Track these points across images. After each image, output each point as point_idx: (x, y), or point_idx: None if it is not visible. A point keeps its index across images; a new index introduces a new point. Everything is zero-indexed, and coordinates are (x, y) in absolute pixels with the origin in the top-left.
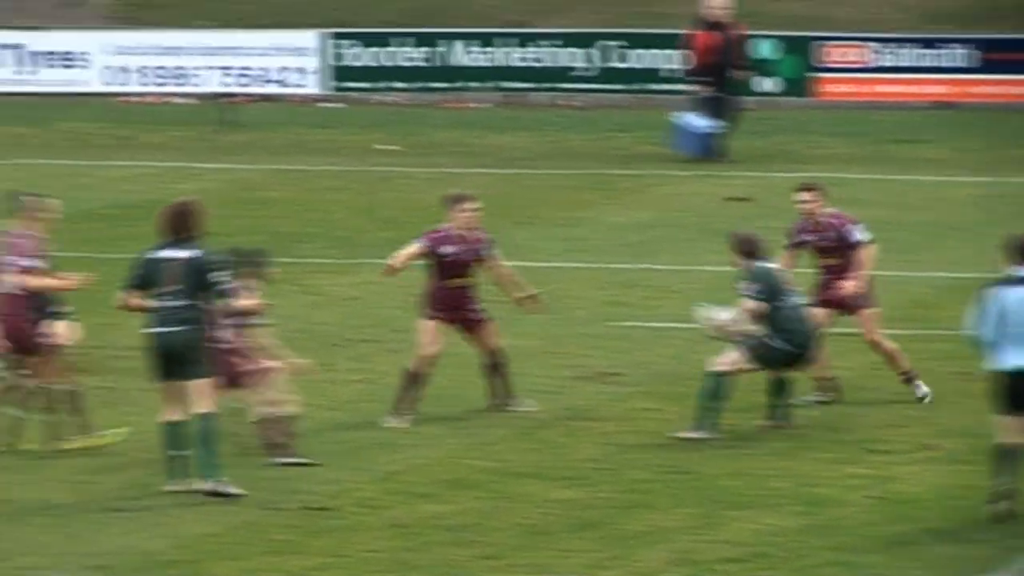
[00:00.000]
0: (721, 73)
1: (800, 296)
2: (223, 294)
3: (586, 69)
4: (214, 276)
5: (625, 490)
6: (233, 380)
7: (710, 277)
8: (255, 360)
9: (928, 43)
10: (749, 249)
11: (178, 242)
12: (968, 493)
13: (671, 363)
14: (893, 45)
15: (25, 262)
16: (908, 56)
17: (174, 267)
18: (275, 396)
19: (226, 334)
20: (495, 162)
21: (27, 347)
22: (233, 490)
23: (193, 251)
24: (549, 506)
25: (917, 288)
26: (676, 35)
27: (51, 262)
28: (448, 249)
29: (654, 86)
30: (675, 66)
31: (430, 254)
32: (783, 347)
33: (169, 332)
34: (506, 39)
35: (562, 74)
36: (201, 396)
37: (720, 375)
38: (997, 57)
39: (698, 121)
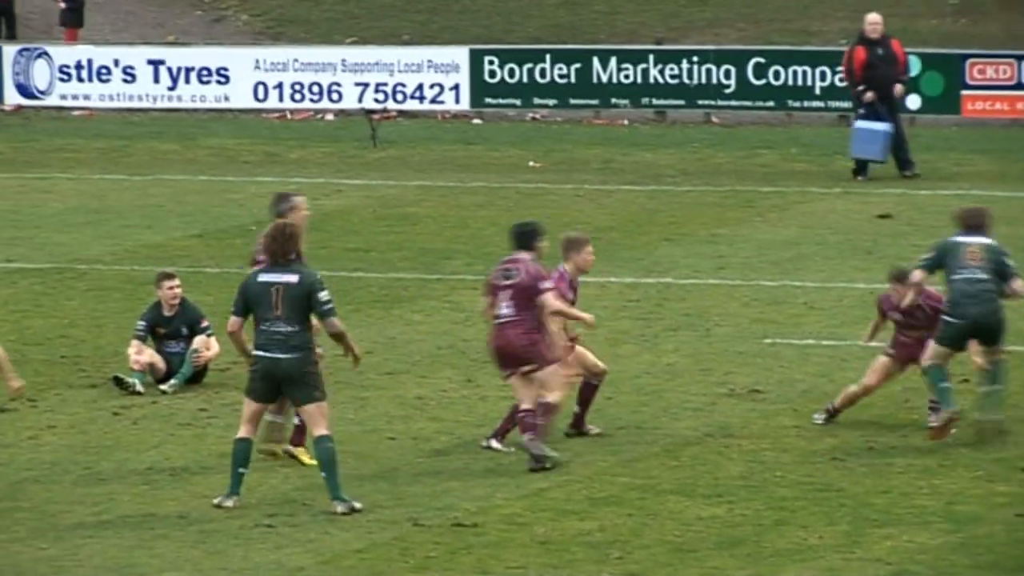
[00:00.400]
0: (882, 88)
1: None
2: (326, 315)
3: (731, 86)
4: (318, 298)
5: (771, 507)
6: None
7: (856, 294)
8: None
9: None
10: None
11: (280, 266)
12: None
13: (816, 380)
14: None
15: None
16: None
17: (278, 291)
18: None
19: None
20: (640, 179)
21: None
22: (358, 505)
23: (295, 275)
24: (695, 523)
25: None
26: (819, 52)
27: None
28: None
29: (798, 103)
30: (819, 83)
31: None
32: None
33: (275, 358)
34: (651, 55)
35: (707, 91)
36: (315, 420)
37: (930, 367)
38: None
39: (876, 124)
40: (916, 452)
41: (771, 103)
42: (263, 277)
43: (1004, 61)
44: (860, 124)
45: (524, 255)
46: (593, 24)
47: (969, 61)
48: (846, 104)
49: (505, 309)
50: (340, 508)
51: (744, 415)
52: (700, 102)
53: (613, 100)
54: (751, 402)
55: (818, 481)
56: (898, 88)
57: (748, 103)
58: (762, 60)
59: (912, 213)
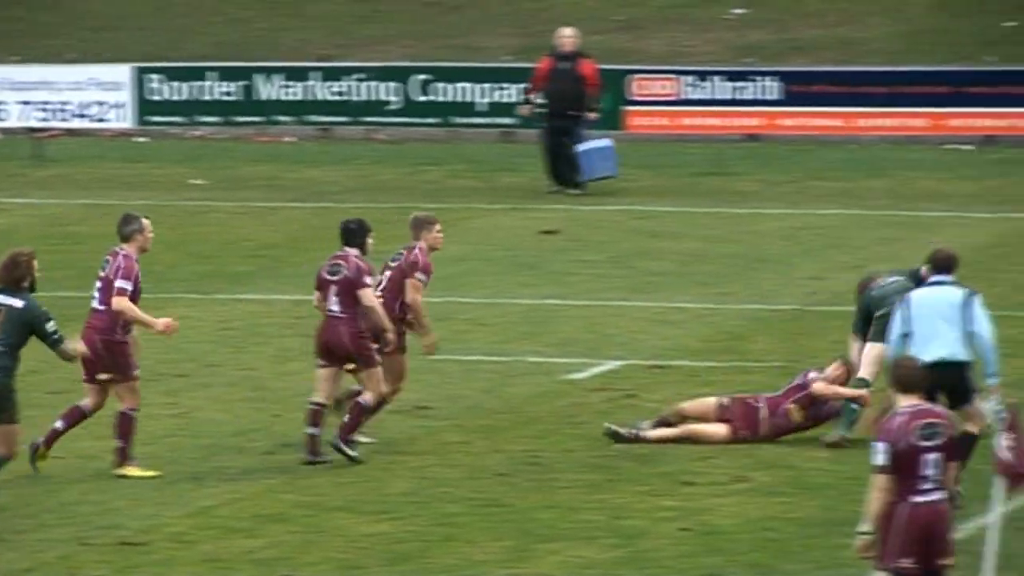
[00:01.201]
0: (558, 103)
1: None
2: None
3: (395, 103)
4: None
5: (438, 523)
6: None
7: (520, 310)
8: None
9: (737, 76)
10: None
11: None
12: (778, 525)
13: (481, 396)
14: (702, 78)
15: None
16: (717, 89)
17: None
18: None
19: None
20: (305, 196)
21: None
22: None
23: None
24: (361, 540)
25: (728, 320)
26: (483, 68)
27: None
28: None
29: (462, 119)
30: (483, 99)
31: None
32: None
33: None
34: (315, 72)
35: (371, 107)
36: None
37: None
38: (800, 90)
39: (597, 142)
40: (582, 467)
41: (435, 120)
42: None
43: (666, 77)
44: (582, 147)
45: (351, 251)
46: (257, 42)
47: (631, 77)
48: (510, 120)
49: (334, 305)
50: None
51: (410, 431)
52: (364, 119)
53: (277, 117)
54: (417, 418)
55: (484, 497)
56: (591, 114)
57: (412, 120)
58: (426, 77)
59: (577, 229)
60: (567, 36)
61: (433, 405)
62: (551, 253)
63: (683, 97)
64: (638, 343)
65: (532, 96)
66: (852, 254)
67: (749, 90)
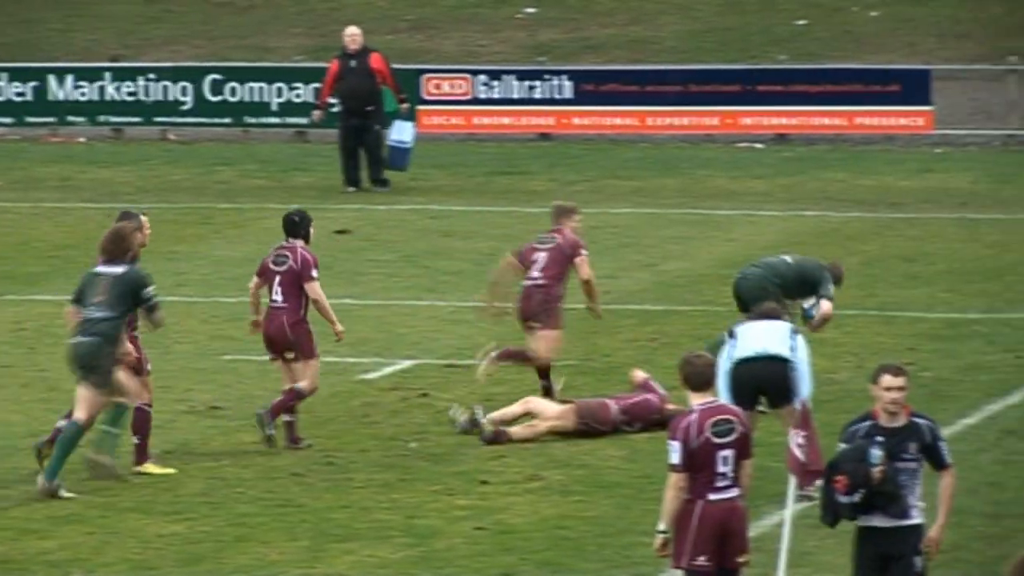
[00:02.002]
0: (353, 100)
1: None
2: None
3: (188, 103)
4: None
5: (232, 524)
6: None
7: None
8: None
9: (529, 75)
10: None
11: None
12: (571, 523)
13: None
14: (495, 77)
15: None
16: (509, 88)
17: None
18: None
19: None
20: (99, 196)
21: None
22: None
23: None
24: (155, 541)
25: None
26: (275, 68)
27: None
28: None
29: (255, 119)
30: (276, 99)
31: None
32: None
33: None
34: (107, 73)
35: (164, 108)
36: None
37: None
38: (592, 89)
39: (398, 134)
40: (376, 467)
41: (228, 120)
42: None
43: (459, 76)
44: (391, 141)
45: (297, 242)
46: (48, 42)
47: (425, 76)
48: (303, 120)
49: (277, 295)
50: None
51: (204, 432)
52: (157, 119)
53: (70, 118)
54: (211, 419)
55: (279, 497)
56: (403, 106)
57: (205, 120)
58: (218, 77)
59: (370, 228)
60: (352, 34)
61: (227, 406)
62: (344, 253)
63: (476, 96)
64: (431, 343)
65: (325, 99)
66: (645, 253)
67: (541, 89)
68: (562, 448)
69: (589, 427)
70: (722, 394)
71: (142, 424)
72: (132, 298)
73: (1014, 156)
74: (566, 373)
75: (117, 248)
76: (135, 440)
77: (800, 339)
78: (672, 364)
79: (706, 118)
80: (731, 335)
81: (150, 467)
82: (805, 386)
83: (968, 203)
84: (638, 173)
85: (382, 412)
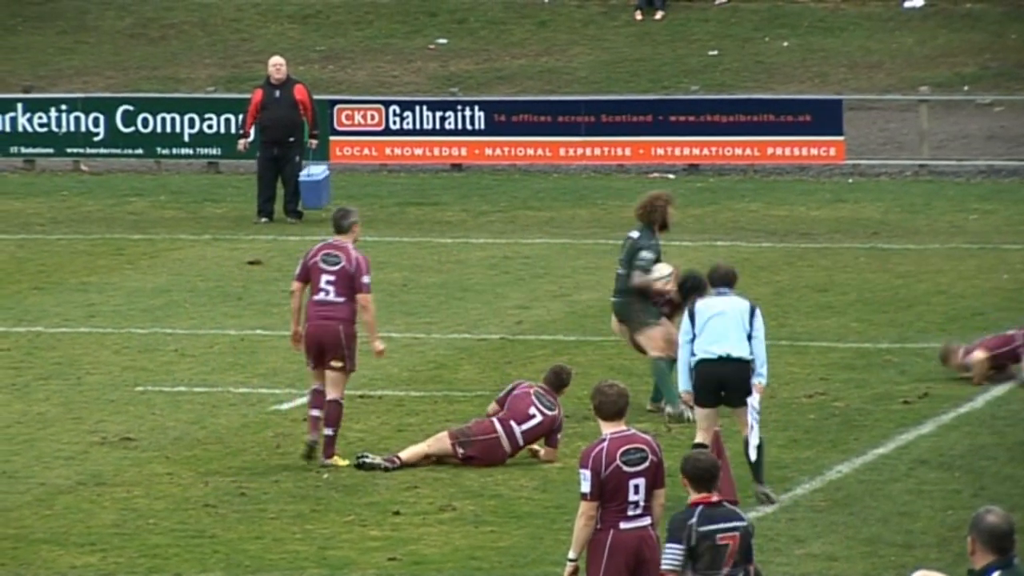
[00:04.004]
0: (276, 131)
1: None
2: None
3: (100, 133)
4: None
5: (145, 555)
6: None
7: (226, 340)
8: None
9: (440, 106)
10: None
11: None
12: (484, 554)
13: (187, 427)
14: (407, 108)
15: None
16: (421, 119)
17: None
18: None
19: None
20: (9, 227)
21: None
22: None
23: None
24: (69, 572)
25: (434, 350)
26: (187, 99)
27: None
28: None
29: (167, 150)
30: (188, 129)
31: None
32: None
33: None
34: (19, 103)
35: (76, 139)
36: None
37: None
38: (504, 120)
39: (314, 170)
40: (288, 497)
41: (140, 150)
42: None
43: (371, 107)
44: (303, 177)
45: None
46: None
47: (337, 107)
48: (215, 151)
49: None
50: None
51: (116, 463)
52: (69, 150)
53: None
54: (123, 449)
55: (191, 528)
56: (312, 142)
57: (117, 151)
58: (130, 108)
59: (281, 259)
60: (277, 64)
61: (139, 436)
62: (257, 284)
63: (388, 127)
64: None
65: (249, 128)
66: (558, 283)
67: (453, 120)
68: (474, 479)
69: (467, 445)
70: (682, 377)
71: (336, 417)
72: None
73: (925, 186)
74: (476, 403)
75: (648, 217)
76: (328, 432)
77: (758, 317)
78: (584, 394)
79: (618, 148)
80: (691, 316)
81: (338, 460)
82: (764, 367)
83: (880, 232)
84: (550, 203)
85: (295, 443)
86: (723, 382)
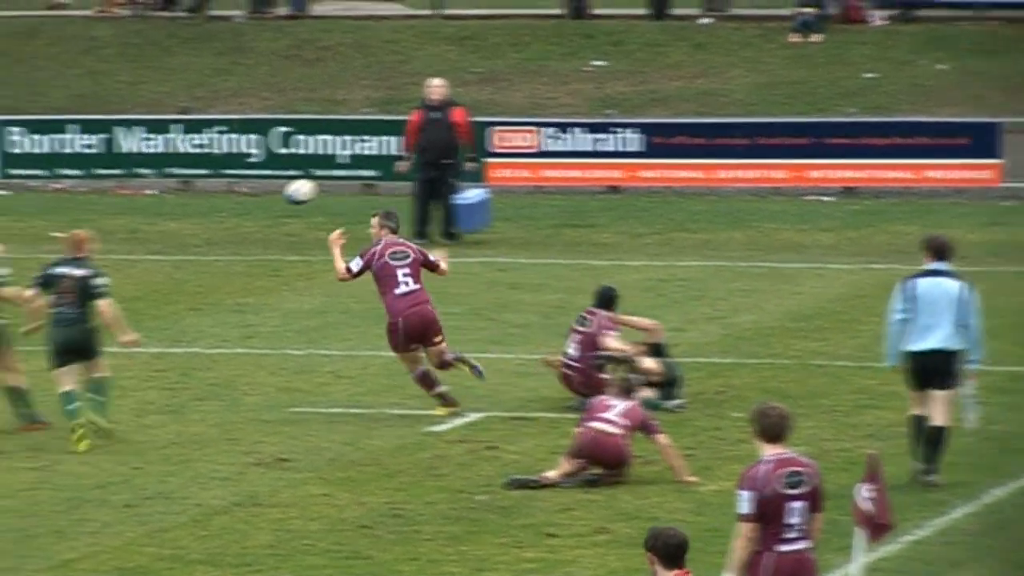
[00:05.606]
0: (433, 153)
1: None
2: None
3: (256, 155)
4: None
5: None
6: None
7: (380, 362)
8: None
9: (597, 128)
10: None
11: None
12: None
13: (343, 448)
14: (563, 130)
15: None
16: (577, 141)
17: None
18: None
19: None
20: (167, 248)
21: None
22: None
23: None
24: None
25: None
26: (343, 120)
27: None
28: None
29: (323, 172)
30: (343, 151)
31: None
32: None
33: None
34: (176, 126)
35: (232, 160)
36: None
37: None
38: (661, 142)
39: (471, 195)
40: (443, 519)
41: (296, 172)
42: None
43: (527, 129)
44: (460, 200)
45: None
46: (117, 94)
47: (493, 129)
48: (371, 172)
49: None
50: None
51: (272, 484)
52: (226, 171)
53: (138, 170)
54: (279, 470)
55: (347, 549)
56: (470, 165)
57: (273, 172)
58: (287, 129)
59: (438, 280)
60: (436, 86)
61: (295, 457)
62: None
63: (544, 149)
64: (499, 395)
65: (409, 150)
66: (713, 305)
67: (610, 142)
68: (629, 501)
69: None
70: (890, 353)
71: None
72: None
73: None
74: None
75: None
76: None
77: (973, 298)
78: (740, 417)
79: (774, 171)
80: (909, 296)
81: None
82: (978, 349)
83: None
84: (706, 226)
85: (450, 464)
86: (930, 373)
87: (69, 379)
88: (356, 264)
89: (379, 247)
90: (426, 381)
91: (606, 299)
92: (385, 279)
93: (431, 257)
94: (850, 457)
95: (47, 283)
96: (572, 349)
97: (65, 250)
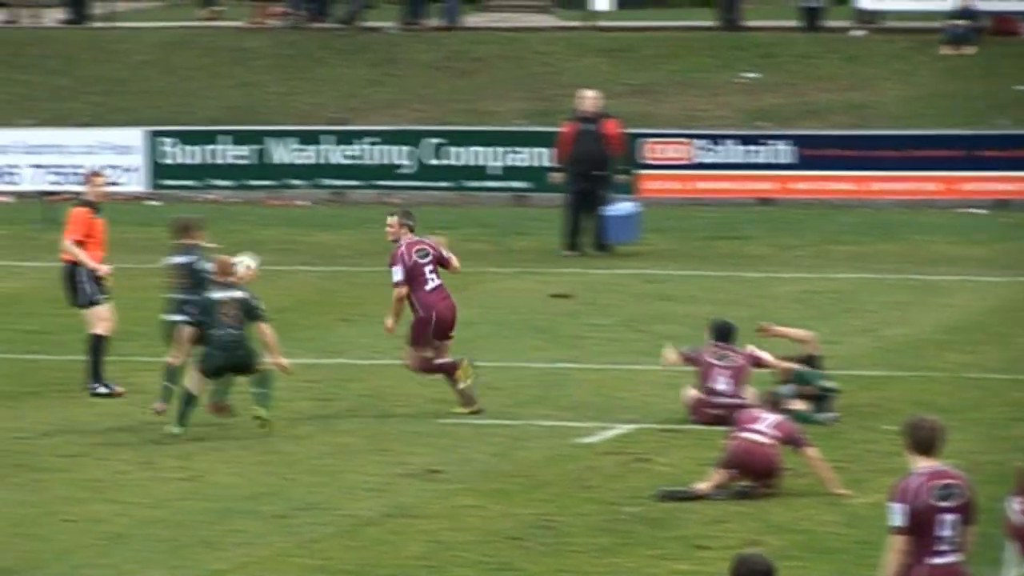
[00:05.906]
0: (585, 164)
1: None
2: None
3: (408, 166)
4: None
5: None
6: None
7: (532, 374)
8: None
9: (749, 140)
10: None
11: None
12: None
13: (493, 460)
14: (715, 142)
15: None
16: (730, 153)
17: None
18: None
19: None
20: (318, 259)
21: None
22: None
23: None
24: None
25: None
26: (495, 132)
27: None
28: None
29: (475, 183)
30: (495, 163)
31: None
32: None
33: None
34: (328, 137)
35: (384, 171)
36: None
37: None
38: (813, 154)
39: (622, 208)
40: (594, 531)
41: (448, 183)
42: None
43: (679, 141)
44: (610, 212)
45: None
46: (268, 105)
47: (645, 141)
48: (522, 184)
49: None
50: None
51: (422, 495)
52: (377, 182)
53: (290, 181)
54: (429, 482)
55: (497, 561)
56: (622, 177)
57: (425, 183)
58: (439, 140)
59: (588, 293)
60: (589, 97)
61: (445, 469)
62: (563, 317)
63: (696, 161)
64: (650, 407)
65: (560, 163)
66: (865, 318)
67: (762, 154)
68: (780, 513)
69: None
70: None
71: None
72: None
73: None
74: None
75: None
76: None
77: None
78: (892, 429)
79: (927, 183)
80: None
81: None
82: None
83: None
84: (858, 238)
85: (600, 476)
86: None
87: (199, 383)
88: (399, 273)
89: (403, 248)
90: (428, 367)
91: (724, 332)
92: (415, 277)
93: (444, 253)
94: (1001, 470)
95: (206, 308)
96: (723, 384)
97: (217, 275)
